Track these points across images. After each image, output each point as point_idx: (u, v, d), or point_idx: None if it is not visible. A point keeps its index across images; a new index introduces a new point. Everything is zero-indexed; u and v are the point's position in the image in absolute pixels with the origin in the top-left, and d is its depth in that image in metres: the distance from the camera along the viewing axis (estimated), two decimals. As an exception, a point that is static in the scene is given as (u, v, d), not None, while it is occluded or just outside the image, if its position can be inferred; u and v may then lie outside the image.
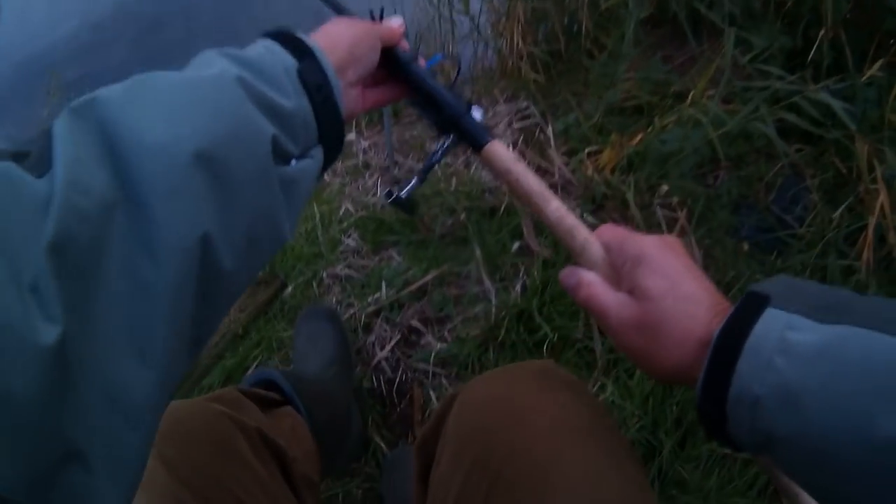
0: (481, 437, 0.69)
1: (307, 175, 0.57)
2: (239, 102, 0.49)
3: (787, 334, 0.45)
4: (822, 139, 1.43)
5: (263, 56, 0.54)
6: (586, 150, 1.62)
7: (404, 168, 1.88)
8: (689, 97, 1.46)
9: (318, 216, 1.85)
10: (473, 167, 1.80)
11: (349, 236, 1.76)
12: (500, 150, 0.70)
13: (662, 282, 0.56)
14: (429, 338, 1.52)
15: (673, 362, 0.54)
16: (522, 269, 1.52)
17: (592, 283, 0.61)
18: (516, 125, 1.83)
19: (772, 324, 0.47)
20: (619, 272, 0.61)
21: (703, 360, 0.50)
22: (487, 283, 1.53)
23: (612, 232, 0.64)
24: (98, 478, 0.38)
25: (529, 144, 1.77)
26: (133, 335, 0.40)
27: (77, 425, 0.37)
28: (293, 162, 0.55)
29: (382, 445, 1.39)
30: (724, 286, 1.37)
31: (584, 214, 1.52)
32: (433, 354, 1.48)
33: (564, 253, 1.47)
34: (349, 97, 0.64)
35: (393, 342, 1.52)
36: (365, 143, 2.07)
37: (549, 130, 1.72)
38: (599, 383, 1.32)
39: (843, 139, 1.38)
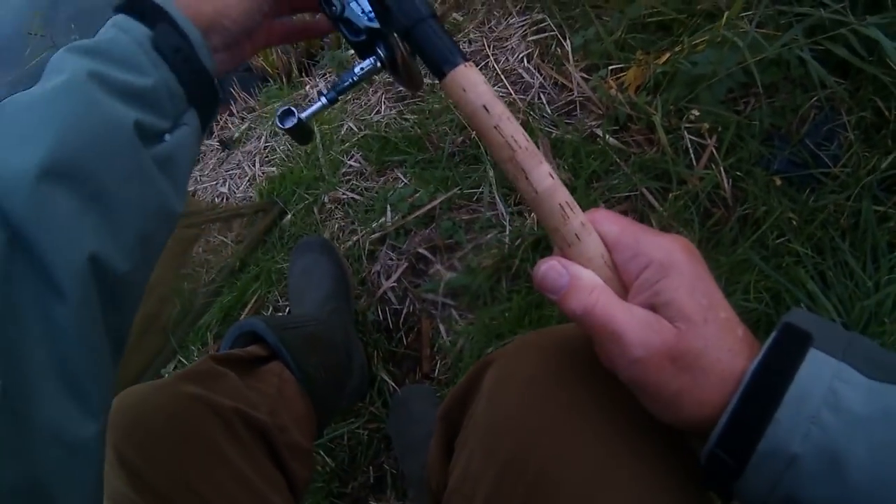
0: (520, 432, 0.55)
1: (184, 145, 0.54)
2: (91, 104, 0.47)
3: (837, 386, 0.38)
4: (861, 74, 1.30)
5: (115, 38, 0.51)
6: (609, 68, 1.48)
7: (410, 83, 1.74)
8: (724, 17, 1.32)
9: (318, 137, 1.73)
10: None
11: (352, 157, 1.65)
12: (477, 78, 0.49)
13: (703, 301, 0.44)
14: (437, 266, 1.41)
15: (708, 406, 0.42)
16: (539, 193, 1.40)
17: (596, 289, 0.45)
18: (531, 38, 1.67)
19: (819, 370, 0.39)
20: (633, 278, 0.46)
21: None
22: (501, 207, 1.41)
23: (616, 222, 0.48)
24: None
25: (545, 59, 1.62)
26: (60, 373, 0.41)
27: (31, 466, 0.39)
28: (166, 137, 0.52)
29: (389, 382, 1.31)
30: (754, 221, 1.27)
31: (607, 136, 1.39)
32: (442, 284, 1.38)
33: (584, 175, 1.35)
34: (233, 43, 0.61)
35: (399, 271, 1.42)
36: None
37: (567, 45, 1.57)
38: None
39: (883, 77, 1.25)
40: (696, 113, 1.35)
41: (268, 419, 0.82)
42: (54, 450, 0.40)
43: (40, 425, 0.39)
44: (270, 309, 1.48)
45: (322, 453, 1.28)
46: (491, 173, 1.44)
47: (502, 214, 1.41)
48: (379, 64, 0.60)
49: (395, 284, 1.42)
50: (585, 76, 1.52)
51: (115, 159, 0.46)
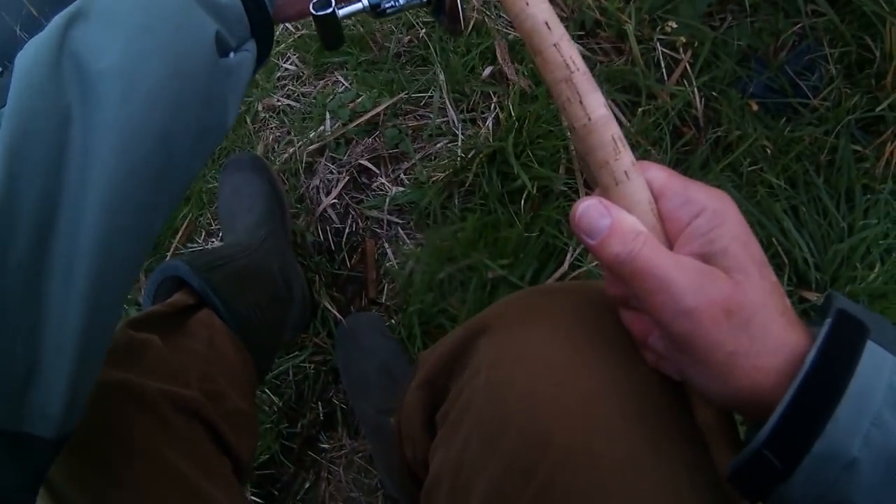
0: (528, 425, 0.48)
1: (244, 66, 0.55)
2: (185, 5, 0.49)
3: None
4: (850, 4, 1.24)
5: None
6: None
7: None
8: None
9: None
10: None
11: (287, 60, 1.48)
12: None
13: (756, 254, 0.40)
14: (382, 180, 1.29)
15: (763, 375, 0.38)
16: (495, 101, 1.27)
17: (641, 233, 0.41)
18: (486, -80, 1.50)
19: (880, 365, 0.35)
20: (682, 228, 0.42)
21: (784, 386, 0.37)
22: (452, 114, 1.28)
23: (665, 172, 0.44)
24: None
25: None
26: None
27: None
28: (231, 55, 0.53)
29: (333, 311, 1.20)
30: (726, 145, 1.20)
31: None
32: (388, 200, 1.26)
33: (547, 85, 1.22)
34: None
35: (340, 186, 1.30)
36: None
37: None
38: (581, 249, 1.12)
39: (872, 14, 1.20)
40: (674, 25, 1.25)
41: (199, 394, 0.73)
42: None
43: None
44: (203, 234, 1.34)
45: (268, 391, 1.18)
46: (441, 77, 1.30)
47: (454, 122, 1.28)
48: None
49: (335, 201, 1.29)
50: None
51: (198, 52, 0.49)
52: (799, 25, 1.26)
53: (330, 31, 0.60)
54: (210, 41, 0.49)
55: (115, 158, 0.41)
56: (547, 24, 0.44)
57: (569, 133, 1.17)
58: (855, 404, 0.34)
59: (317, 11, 0.57)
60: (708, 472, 0.44)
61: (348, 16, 0.60)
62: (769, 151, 1.19)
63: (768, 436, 0.36)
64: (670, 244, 0.43)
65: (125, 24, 0.44)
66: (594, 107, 0.43)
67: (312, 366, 1.20)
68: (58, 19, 0.43)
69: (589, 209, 0.42)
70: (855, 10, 1.23)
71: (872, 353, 0.36)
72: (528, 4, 0.44)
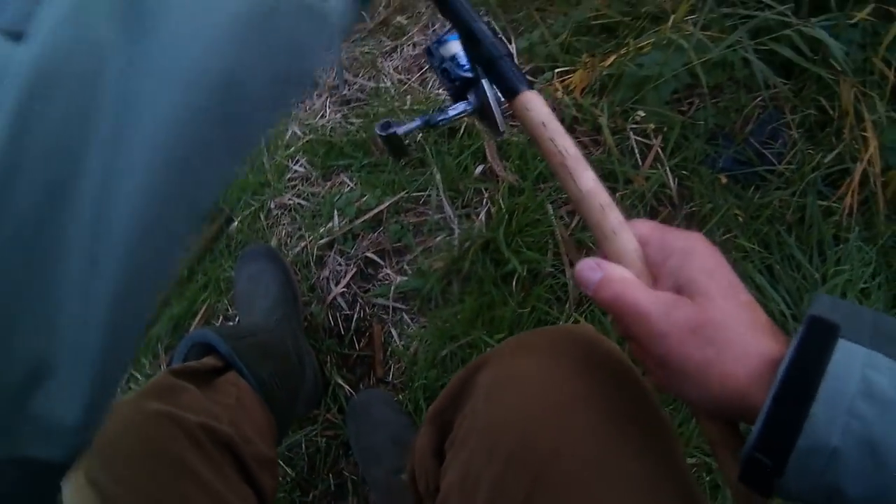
0: (520, 430, 0.60)
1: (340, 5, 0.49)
2: None
3: (869, 374, 0.39)
4: (804, 74, 1.37)
5: None
6: (555, 70, 1.50)
7: (354, 87, 1.74)
8: (671, 20, 1.35)
9: (262, 142, 1.71)
10: (429, 85, 1.67)
11: (297, 162, 1.64)
12: (539, 100, 0.59)
13: (721, 282, 0.48)
14: (387, 270, 1.42)
15: (733, 378, 0.44)
16: (486, 196, 1.42)
17: (626, 280, 0.50)
18: (474, 38, 1.69)
19: (850, 360, 0.40)
20: (660, 268, 0.51)
21: (761, 386, 0.42)
22: (448, 210, 1.42)
23: (649, 225, 0.54)
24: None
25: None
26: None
27: None
28: None
29: (345, 387, 1.31)
30: (701, 219, 1.31)
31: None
32: (392, 288, 1.38)
33: (532, 177, 1.37)
34: None
35: (348, 276, 1.42)
36: (310, 60, 1.91)
37: (513, 48, 1.59)
38: (572, 319, 1.25)
39: (827, 77, 1.33)
40: (642, 114, 1.39)
41: (232, 431, 0.81)
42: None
43: None
44: (220, 318, 1.46)
45: (281, 463, 1.27)
46: (438, 177, 1.45)
47: (450, 217, 1.42)
48: (469, 108, 0.67)
49: (344, 290, 1.41)
50: (531, 79, 1.53)
51: None
52: (759, 98, 1.38)
53: (395, 146, 0.68)
54: None
55: (172, 99, 0.33)
56: (543, 123, 0.56)
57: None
58: (829, 400, 0.39)
59: (381, 132, 0.65)
60: (672, 469, 0.56)
61: (407, 133, 0.67)
62: (741, 219, 1.28)
63: (755, 440, 0.41)
64: (655, 283, 0.51)
65: None
66: (584, 182, 0.55)
67: (324, 439, 1.29)
68: None
69: (583, 266, 0.52)
70: (810, 76, 1.35)
71: (844, 351, 0.40)
72: (528, 110, 0.57)
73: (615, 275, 0.51)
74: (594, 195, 0.55)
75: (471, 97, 0.67)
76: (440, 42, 0.68)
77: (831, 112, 1.34)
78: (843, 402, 0.39)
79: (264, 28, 0.38)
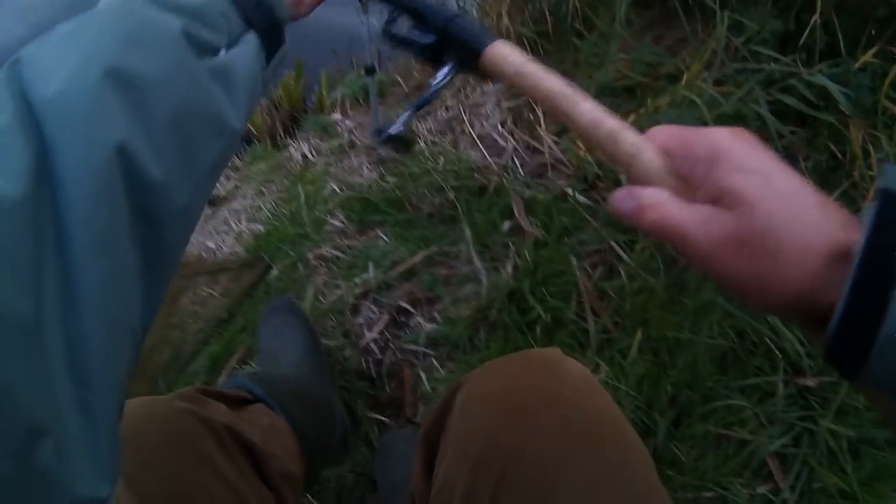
0: (486, 434, 0.66)
1: (242, 61, 0.54)
2: (137, 11, 0.47)
3: None
4: (815, 122, 1.44)
5: None
6: (579, 130, 1.61)
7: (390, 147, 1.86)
8: (684, 79, 1.46)
9: (302, 196, 1.82)
10: (461, 146, 1.78)
11: (334, 217, 1.74)
12: (506, 51, 0.57)
13: (755, 179, 0.43)
14: (418, 319, 1.50)
15: (793, 285, 0.40)
16: (513, 249, 1.51)
17: (660, 202, 0.46)
18: (504, 104, 1.81)
19: None
20: (691, 180, 0.47)
21: (832, 280, 0.39)
22: (477, 263, 1.51)
23: (667, 132, 0.50)
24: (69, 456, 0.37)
25: (518, 124, 1.75)
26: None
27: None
28: (221, 52, 0.53)
29: (374, 428, 1.37)
30: None
31: (576, 194, 1.51)
32: (423, 335, 1.46)
33: (556, 231, 1.46)
34: None
35: (382, 324, 1.50)
36: (350, 124, 2.04)
37: (539, 110, 1.71)
38: (593, 364, 1.32)
39: (837, 123, 1.39)
40: None
41: (260, 443, 0.84)
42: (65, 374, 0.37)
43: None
44: (256, 357, 1.54)
45: (309, 496, 1.33)
46: (468, 232, 1.55)
47: (479, 269, 1.50)
48: (451, 69, 0.65)
49: (377, 336, 1.49)
50: (556, 139, 1.64)
51: (159, 57, 0.46)
52: (773, 148, 1.46)
53: (398, 143, 0.68)
54: (174, 43, 0.48)
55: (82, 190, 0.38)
56: (519, 72, 0.55)
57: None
58: None
59: (380, 139, 0.67)
60: (629, 472, 0.62)
61: (404, 125, 0.67)
62: (805, 331, 1.34)
63: (836, 328, 0.38)
64: (693, 194, 0.47)
65: (73, 47, 0.43)
66: (583, 115, 0.52)
67: (353, 476, 1.34)
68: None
69: (617, 198, 0.48)
70: (822, 122, 1.41)
71: None
72: (499, 64, 0.56)
73: (648, 200, 0.47)
74: (599, 125, 0.51)
75: (447, 58, 0.65)
76: (391, 21, 0.67)
77: (841, 157, 1.40)
78: None
79: (155, 94, 0.45)
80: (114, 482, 0.40)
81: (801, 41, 1.45)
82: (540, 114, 1.69)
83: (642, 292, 1.36)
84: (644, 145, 0.50)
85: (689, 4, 1.63)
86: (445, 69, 0.65)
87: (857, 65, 1.39)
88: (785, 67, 1.40)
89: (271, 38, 0.59)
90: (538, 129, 1.67)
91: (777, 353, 1.28)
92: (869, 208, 0.38)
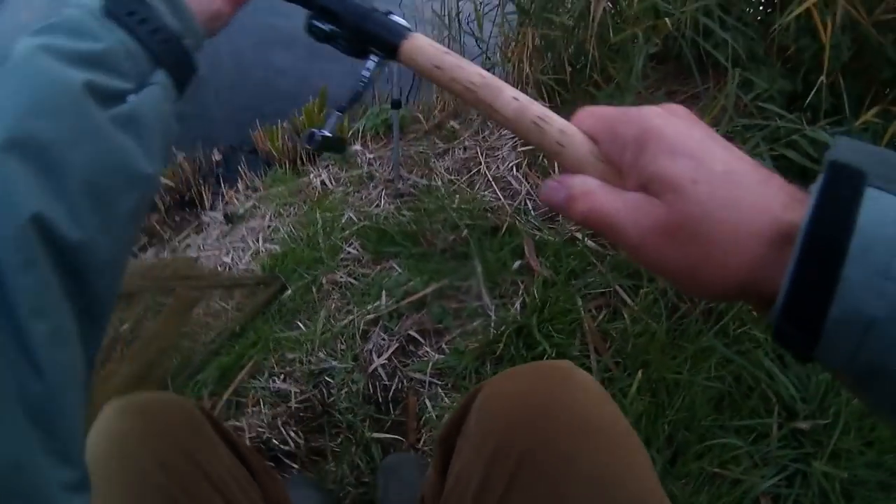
0: (503, 428, 0.69)
1: (151, 104, 0.52)
2: (38, 72, 0.46)
3: None
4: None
5: (68, 13, 0.52)
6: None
7: (408, 182, 1.92)
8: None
9: (320, 222, 1.88)
10: (477, 186, 1.84)
11: (350, 245, 1.80)
12: (423, 44, 0.55)
13: (685, 162, 0.39)
14: (426, 348, 1.55)
15: (732, 273, 0.38)
16: (522, 287, 1.56)
17: (591, 191, 0.43)
18: (520, 149, 1.88)
19: (882, 213, 0.33)
20: (620, 165, 0.44)
21: (777, 265, 0.36)
22: (487, 298, 1.57)
23: (594, 115, 0.47)
24: None
25: (533, 167, 1.82)
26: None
27: None
28: (129, 98, 0.51)
29: (378, 449, 1.41)
30: (718, 314, 1.42)
31: (585, 238, 1.57)
32: (430, 365, 1.51)
33: (565, 273, 1.51)
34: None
35: (390, 350, 1.55)
36: (370, 155, 2.11)
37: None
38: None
39: None
40: None
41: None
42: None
43: None
44: (266, 374, 1.58)
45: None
46: (479, 269, 1.60)
47: (487, 305, 1.56)
48: (379, 59, 0.63)
49: (385, 362, 1.54)
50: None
51: (62, 119, 0.45)
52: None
53: (330, 146, 0.65)
54: (77, 101, 0.47)
55: None
56: (437, 66, 0.53)
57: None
58: (861, 261, 0.32)
59: (311, 144, 0.64)
60: (633, 469, 0.65)
61: (335, 126, 0.65)
62: (755, 313, 1.37)
63: (780, 309, 0.35)
64: (623, 181, 0.44)
65: None
66: (504, 106, 0.49)
67: (352, 492, 1.37)
68: None
69: (548, 189, 0.46)
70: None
71: (872, 201, 0.33)
72: (416, 58, 0.54)
73: (577, 189, 0.44)
74: (522, 114, 0.49)
75: (370, 51, 0.63)
76: (315, 16, 0.65)
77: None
78: (878, 263, 0.32)
79: (60, 155, 0.44)
80: None
81: (808, 100, 1.52)
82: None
83: (644, 335, 1.41)
84: (571, 131, 0.47)
85: (703, 61, 1.70)
86: (372, 62, 0.63)
87: (858, 122, 1.46)
88: (790, 124, 1.46)
89: (182, 70, 0.57)
90: (552, 173, 1.74)
91: (772, 396, 1.32)
92: (816, 183, 0.36)
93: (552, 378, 0.75)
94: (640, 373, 1.34)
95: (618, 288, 1.49)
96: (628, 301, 1.48)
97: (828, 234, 0.33)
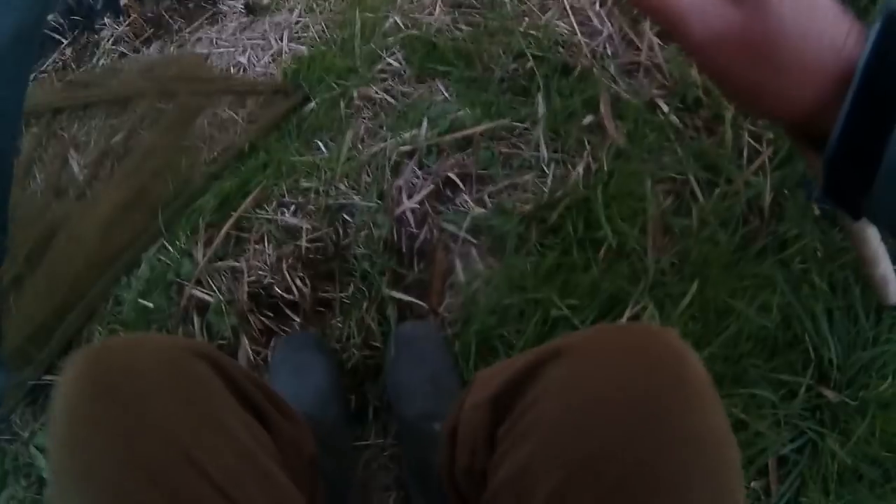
0: (597, 434, 0.54)
1: None
2: None
3: None
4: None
5: None
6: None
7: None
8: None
9: (358, 24, 1.60)
10: (549, 12, 1.54)
11: (392, 55, 1.53)
12: None
13: None
14: (465, 197, 1.34)
15: (799, 104, 0.37)
16: (589, 149, 1.32)
17: None
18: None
19: None
20: None
21: (835, 101, 0.35)
22: (545, 150, 1.33)
23: None
24: None
25: (619, 6, 1.52)
26: None
27: None
28: None
29: (395, 308, 1.24)
30: (783, 241, 1.25)
31: (670, 111, 1.33)
32: (468, 218, 1.30)
33: (641, 145, 1.28)
34: None
35: (423, 192, 1.34)
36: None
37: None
38: (641, 305, 1.17)
39: None
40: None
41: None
42: None
43: None
44: (274, 203, 1.37)
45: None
46: (542, 111, 1.35)
47: (544, 159, 1.33)
48: None
49: (416, 205, 1.33)
50: (661, 43, 1.42)
51: None
52: None
53: None
54: None
55: None
56: None
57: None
58: None
59: None
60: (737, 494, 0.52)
61: None
62: (819, 254, 1.24)
63: (836, 142, 0.35)
64: None
65: None
66: None
67: (358, 356, 1.22)
68: None
69: None
70: None
71: None
72: None
73: None
74: None
75: None
76: None
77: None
78: None
79: None
80: None
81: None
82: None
83: (708, 242, 1.23)
84: None
85: None
86: None
87: None
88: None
89: None
90: (643, 21, 1.45)
91: (812, 354, 1.18)
92: (872, 30, 0.35)
93: (662, 371, 0.56)
94: (694, 284, 1.17)
95: (692, 178, 1.28)
96: (700, 197, 1.27)
97: (882, 76, 0.33)
